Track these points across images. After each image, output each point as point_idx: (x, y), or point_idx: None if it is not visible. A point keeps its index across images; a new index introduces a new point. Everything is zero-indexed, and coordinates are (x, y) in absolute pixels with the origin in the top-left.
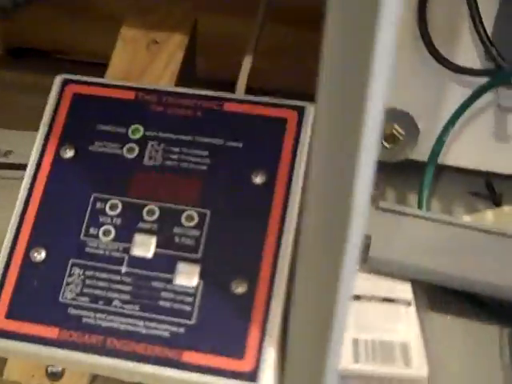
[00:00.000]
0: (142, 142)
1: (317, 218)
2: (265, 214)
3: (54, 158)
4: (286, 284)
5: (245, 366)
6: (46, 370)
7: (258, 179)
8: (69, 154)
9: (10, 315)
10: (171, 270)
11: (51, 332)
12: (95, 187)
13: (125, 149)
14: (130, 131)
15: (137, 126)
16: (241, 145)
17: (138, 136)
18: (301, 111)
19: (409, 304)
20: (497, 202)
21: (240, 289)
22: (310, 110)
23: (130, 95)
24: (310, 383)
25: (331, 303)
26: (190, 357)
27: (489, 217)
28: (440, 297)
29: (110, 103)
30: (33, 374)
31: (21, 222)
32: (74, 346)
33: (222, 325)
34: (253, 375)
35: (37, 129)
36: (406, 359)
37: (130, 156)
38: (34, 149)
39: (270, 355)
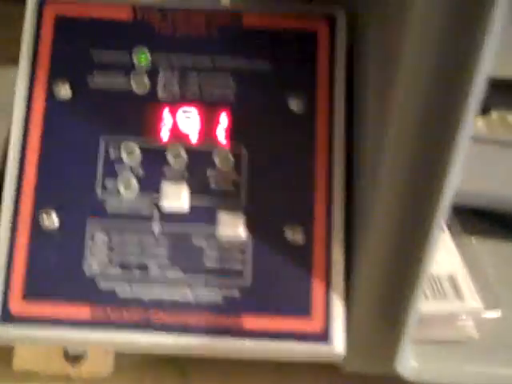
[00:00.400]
0: (152, 71)
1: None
2: (310, 145)
3: (46, 100)
4: (344, 224)
5: (313, 325)
6: (65, 353)
7: (296, 106)
8: (64, 93)
9: (27, 295)
10: (212, 222)
11: (81, 311)
12: (104, 131)
13: (132, 81)
14: (134, 58)
15: (142, 51)
16: (268, 66)
17: (144, 63)
18: (331, 21)
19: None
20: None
21: (296, 236)
22: (342, 18)
23: (128, 15)
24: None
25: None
26: (250, 322)
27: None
28: (471, 220)
29: (103, 26)
30: (49, 359)
31: (19, 180)
32: (111, 325)
33: (281, 280)
34: (323, 334)
35: (12, 65)
36: (456, 292)
37: (140, 89)
38: (17, 91)
39: (339, 310)
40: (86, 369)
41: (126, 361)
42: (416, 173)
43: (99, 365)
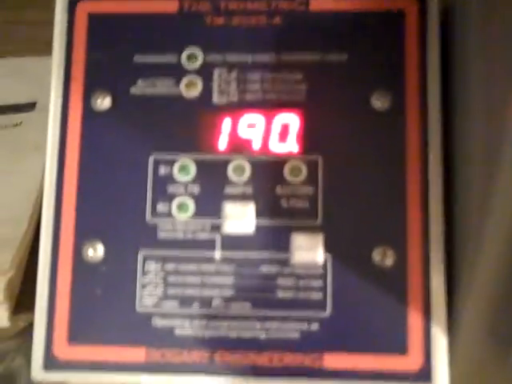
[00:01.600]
0: (205, 72)
1: None
2: (399, 151)
3: (83, 113)
4: (444, 243)
5: (410, 363)
6: None
7: (380, 104)
8: (104, 103)
9: (73, 339)
10: (284, 245)
11: (135, 354)
12: (152, 145)
13: (182, 84)
14: (183, 59)
15: (192, 49)
16: (345, 57)
17: (196, 64)
18: None
19: None
20: None
21: (386, 260)
22: None
23: (173, 7)
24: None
25: None
26: (332, 361)
27: None
28: None
29: (145, 23)
30: None
31: (58, 206)
32: (169, 368)
33: (369, 311)
34: (423, 375)
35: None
36: None
37: (192, 94)
38: (51, 104)
39: (441, 344)
40: None
41: None
42: None
43: None
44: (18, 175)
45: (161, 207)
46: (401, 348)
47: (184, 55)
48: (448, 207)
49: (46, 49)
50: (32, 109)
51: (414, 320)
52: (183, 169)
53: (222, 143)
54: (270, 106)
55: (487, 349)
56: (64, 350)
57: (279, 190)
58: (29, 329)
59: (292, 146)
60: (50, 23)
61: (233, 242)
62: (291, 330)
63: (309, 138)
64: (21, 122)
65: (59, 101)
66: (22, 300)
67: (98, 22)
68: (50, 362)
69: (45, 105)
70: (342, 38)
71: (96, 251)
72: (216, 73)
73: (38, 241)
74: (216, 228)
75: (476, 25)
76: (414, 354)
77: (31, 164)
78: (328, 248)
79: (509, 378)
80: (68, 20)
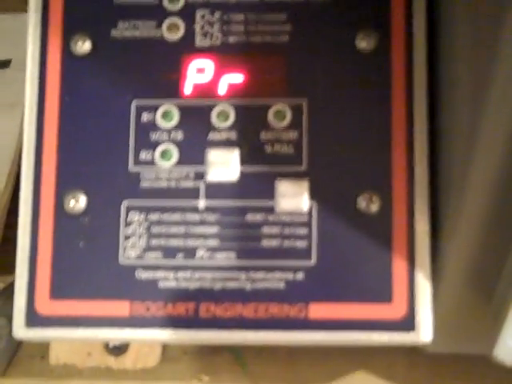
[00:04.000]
0: (187, 14)
1: None
2: (384, 93)
3: (62, 57)
4: (428, 189)
5: (395, 311)
6: (106, 345)
7: (365, 44)
8: (84, 47)
9: (55, 294)
10: (269, 193)
11: (119, 308)
12: (134, 91)
13: (164, 27)
14: (164, 0)
15: None
16: None
17: (178, 5)
18: None
19: None
20: None
21: (371, 205)
22: None
23: None
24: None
25: None
26: (318, 310)
27: None
28: None
29: None
30: (88, 351)
31: (38, 156)
32: (154, 322)
33: (354, 259)
34: (407, 322)
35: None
36: None
37: (174, 36)
38: (28, 50)
39: (425, 291)
40: (129, 360)
41: (176, 349)
42: None
43: (145, 356)
44: None
45: (144, 155)
46: (386, 296)
47: None
48: (433, 153)
49: (21, 6)
50: (7, 66)
51: (399, 267)
52: (166, 115)
53: (206, 88)
54: (253, 49)
55: (470, 295)
56: (46, 305)
57: (263, 135)
58: (11, 288)
59: (276, 89)
60: None
61: (217, 190)
62: (276, 280)
63: (293, 82)
64: None
65: (37, 45)
66: (2, 261)
67: None
68: (32, 319)
69: (20, 62)
70: None
71: (78, 202)
72: (198, 14)
73: (17, 200)
74: (200, 176)
75: None
76: (398, 301)
77: (7, 122)
78: (313, 195)
79: (491, 324)
80: None
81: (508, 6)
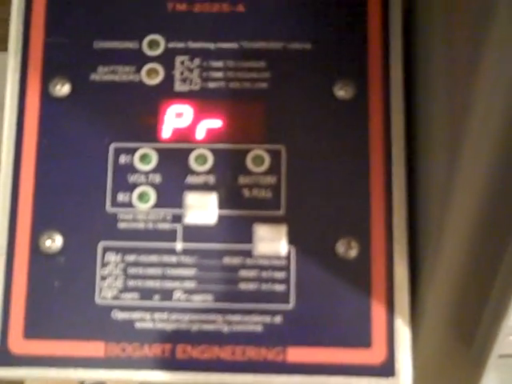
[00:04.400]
0: (167, 60)
1: None
2: (362, 140)
3: (41, 99)
4: (407, 234)
5: (374, 356)
6: (82, 383)
7: (343, 93)
8: (63, 90)
9: (29, 333)
10: (247, 236)
11: (95, 348)
12: (113, 134)
13: (143, 71)
14: (144, 46)
15: (153, 36)
16: (309, 46)
17: (158, 51)
18: None
19: None
20: None
21: (349, 251)
22: None
23: None
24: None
25: None
26: (296, 355)
27: None
28: None
29: (106, 8)
30: None
31: (14, 196)
32: (130, 363)
33: (333, 304)
34: (386, 368)
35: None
36: None
37: (153, 81)
38: (7, 91)
39: (404, 337)
40: None
41: None
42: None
43: None
44: None
45: (121, 197)
46: (365, 341)
47: (145, 42)
48: (411, 199)
49: (1, 46)
50: None
51: (378, 313)
52: (144, 158)
53: (184, 132)
54: (232, 94)
55: (449, 341)
56: (20, 344)
57: (241, 179)
58: None
59: (255, 135)
60: (4, 20)
61: (194, 233)
62: (254, 323)
63: (272, 128)
64: None
65: (16, 87)
66: None
67: (56, 6)
68: (5, 358)
69: None
70: (305, 27)
71: (54, 242)
72: (178, 60)
73: None
74: (177, 218)
75: (439, 12)
76: (377, 347)
77: None
78: (291, 239)
79: (471, 370)
80: (25, 4)
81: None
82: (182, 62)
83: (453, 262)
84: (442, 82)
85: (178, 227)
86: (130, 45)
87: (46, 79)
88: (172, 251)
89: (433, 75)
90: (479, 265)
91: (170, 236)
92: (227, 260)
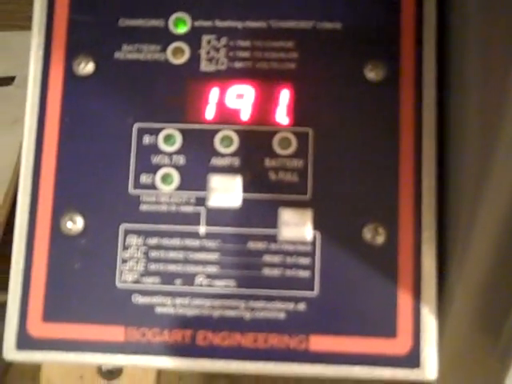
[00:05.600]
0: (193, 38)
1: None
2: (392, 124)
3: (64, 77)
4: (436, 223)
5: (399, 346)
6: (99, 369)
7: (373, 74)
8: (87, 68)
9: (48, 316)
10: (272, 221)
11: (114, 333)
12: (137, 114)
13: (169, 50)
14: (170, 24)
15: (179, 14)
16: (339, 26)
17: (184, 30)
18: None
19: None
20: None
21: (377, 237)
22: None
23: None
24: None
25: None
26: (319, 343)
27: None
28: None
29: None
30: (81, 374)
31: (36, 177)
32: (149, 349)
33: (358, 291)
34: (412, 358)
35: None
36: None
37: (179, 60)
38: (30, 68)
39: (431, 327)
40: None
41: (171, 374)
42: None
43: (138, 380)
44: None
45: (144, 178)
46: (390, 331)
47: (171, 20)
48: (441, 188)
49: (26, 24)
50: (10, 83)
51: (404, 302)
52: (168, 139)
53: (210, 113)
54: (259, 75)
55: (476, 335)
56: (39, 327)
57: (267, 162)
58: (2, 308)
59: (282, 117)
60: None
61: (218, 217)
62: (277, 310)
63: (299, 110)
64: None
65: (39, 65)
66: None
67: None
68: (24, 341)
69: (24, 79)
70: (336, 6)
71: (75, 223)
72: (204, 39)
73: (14, 217)
74: (201, 201)
75: (476, 4)
76: (403, 337)
77: (9, 139)
78: (317, 224)
79: (496, 365)
80: None
81: None
82: (209, 41)
83: (482, 256)
84: (475, 76)
85: (202, 210)
86: (156, 23)
87: (70, 57)
88: (195, 235)
89: (467, 67)
90: (508, 258)
91: (194, 219)
92: (251, 245)
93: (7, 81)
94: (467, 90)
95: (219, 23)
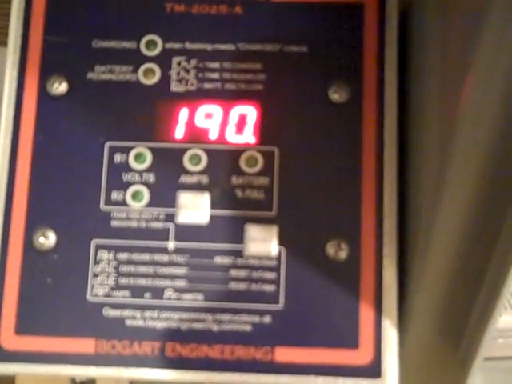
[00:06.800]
0: (164, 60)
1: None
2: (355, 143)
3: (38, 97)
4: (397, 237)
5: (361, 357)
6: (73, 380)
7: (338, 96)
8: (60, 88)
9: (20, 329)
10: (238, 236)
11: (85, 345)
12: (108, 132)
13: (140, 71)
14: (142, 46)
15: (151, 36)
16: (305, 49)
17: (155, 51)
18: None
19: None
20: None
21: (339, 253)
22: None
23: None
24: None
25: None
26: (284, 354)
27: None
28: None
29: (105, 7)
30: None
31: (9, 193)
32: (120, 360)
33: (321, 305)
34: (373, 369)
35: None
36: None
37: (150, 81)
38: (5, 88)
39: (391, 339)
40: None
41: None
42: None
43: None
44: None
45: (115, 195)
46: (352, 342)
47: (143, 42)
48: (401, 202)
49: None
50: None
51: (366, 314)
52: (139, 157)
53: (179, 132)
54: (228, 96)
55: (436, 344)
56: (11, 340)
57: (235, 180)
58: None
59: (249, 136)
60: (4, 15)
61: (187, 232)
62: (243, 323)
63: (266, 129)
64: None
65: (14, 84)
66: None
67: (56, 5)
68: None
69: None
70: (302, 30)
71: (47, 239)
72: (175, 61)
73: None
74: (170, 217)
75: (434, 14)
76: (364, 348)
77: None
78: (282, 240)
79: (457, 373)
80: (26, 2)
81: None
82: (179, 63)
83: (441, 266)
84: (434, 83)
85: (171, 226)
86: (128, 45)
87: (44, 77)
88: (164, 250)
89: (426, 77)
90: (467, 269)
91: (163, 235)
92: (218, 259)
93: None
94: (427, 99)
95: (189, 45)
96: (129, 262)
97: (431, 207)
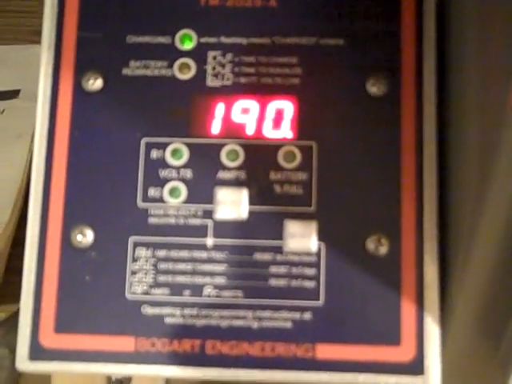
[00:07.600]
0: (199, 54)
1: None
2: (394, 137)
3: (74, 93)
4: (437, 232)
5: (403, 354)
6: (109, 378)
7: (375, 89)
8: (95, 84)
9: (60, 328)
10: (277, 232)
11: (124, 343)
12: (144, 128)
13: (175, 66)
14: (177, 40)
15: (185, 31)
16: (341, 41)
17: (190, 46)
18: None
19: None
20: None
21: (380, 248)
22: None
23: None
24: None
25: None
26: (325, 351)
27: None
28: None
29: (139, 2)
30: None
31: (46, 191)
32: (159, 358)
33: (362, 301)
34: (415, 366)
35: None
36: None
37: (185, 76)
38: (40, 85)
39: (434, 335)
40: None
41: (181, 382)
42: None
43: None
44: (0, 164)
45: (152, 192)
46: (394, 339)
47: (178, 36)
48: (442, 197)
49: (31, 38)
50: (15, 96)
51: (407, 310)
52: (175, 153)
53: (216, 127)
54: (264, 90)
55: (478, 342)
56: (50, 338)
57: (273, 175)
58: (13, 319)
59: (286, 131)
60: (35, 12)
61: (225, 229)
62: (284, 320)
63: (303, 124)
64: (3, 110)
65: (49, 81)
66: (5, 291)
67: (89, 1)
68: (36, 352)
69: (28, 92)
70: (339, 22)
71: (85, 236)
72: (210, 55)
73: (21, 230)
74: (208, 214)
75: (473, 10)
76: (406, 344)
77: (14, 152)
78: (322, 236)
79: (498, 371)
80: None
81: None
82: (214, 57)
83: (484, 263)
84: (474, 81)
85: (209, 223)
86: (163, 39)
87: (79, 74)
88: (202, 247)
89: (466, 73)
90: (509, 266)
91: (201, 231)
92: (257, 256)
93: (12, 94)
94: (467, 96)
95: (224, 39)
96: (167, 259)
97: (474, 204)
